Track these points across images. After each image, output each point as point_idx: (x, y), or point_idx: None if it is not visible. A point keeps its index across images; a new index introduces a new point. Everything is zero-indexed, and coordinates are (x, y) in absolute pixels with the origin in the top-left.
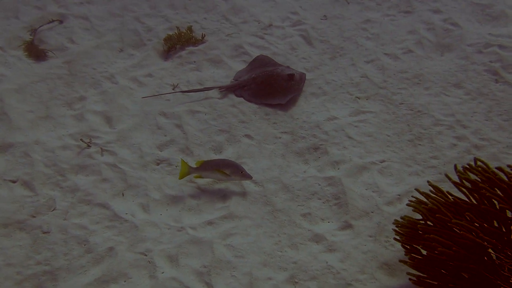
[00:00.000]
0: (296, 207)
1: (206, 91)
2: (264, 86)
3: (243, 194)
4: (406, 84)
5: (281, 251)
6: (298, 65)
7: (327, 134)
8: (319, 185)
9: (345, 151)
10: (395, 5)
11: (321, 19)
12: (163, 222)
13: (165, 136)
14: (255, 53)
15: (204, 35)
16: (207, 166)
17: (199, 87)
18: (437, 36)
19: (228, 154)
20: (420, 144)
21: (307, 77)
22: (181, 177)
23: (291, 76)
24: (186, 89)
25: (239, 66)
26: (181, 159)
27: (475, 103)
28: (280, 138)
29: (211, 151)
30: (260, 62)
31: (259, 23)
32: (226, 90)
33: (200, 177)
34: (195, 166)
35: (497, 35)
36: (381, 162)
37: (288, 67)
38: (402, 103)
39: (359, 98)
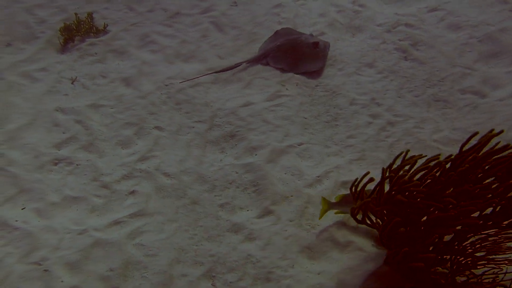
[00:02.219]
0: (213, 198)
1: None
2: (289, 53)
3: (155, 188)
4: None
5: (197, 245)
6: (211, 52)
7: (244, 120)
8: (237, 173)
9: (263, 136)
10: None
11: (231, 5)
12: (63, 226)
13: (63, 133)
14: (164, 42)
15: (107, 25)
16: (349, 199)
17: (102, 80)
18: (348, 18)
19: (137, 148)
20: (337, 125)
21: (221, 64)
22: (321, 216)
23: (315, 44)
24: (89, 82)
25: (147, 56)
26: (322, 197)
27: (388, 81)
28: (193, 127)
29: (118, 146)
30: (283, 33)
31: (166, 11)
32: (254, 62)
33: (342, 212)
34: (335, 201)
35: (403, 14)
36: (300, 145)
37: (311, 35)
38: (318, 85)
39: (280, 84)
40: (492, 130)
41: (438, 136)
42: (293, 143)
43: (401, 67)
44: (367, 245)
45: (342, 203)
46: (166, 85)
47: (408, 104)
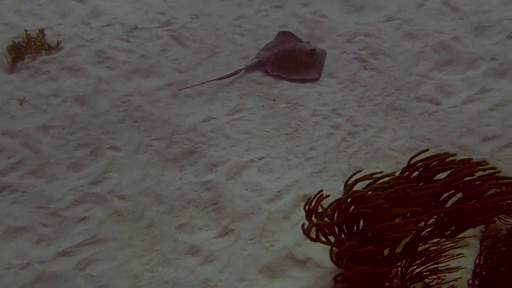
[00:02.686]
0: (170, 219)
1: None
2: (287, 61)
3: (109, 213)
4: (283, 78)
5: (152, 271)
6: (171, 67)
7: (204, 136)
8: (196, 191)
9: (223, 151)
10: (267, 0)
11: (192, 18)
12: (3, 261)
13: (8, 158)
14: (121, 57)
15: (60, 42)
16: None
17: (54, 99)
18: (309, 28)
19: (91, 170)
20: (298, 137)
21: (181, 79)
22: None
23: (312, 51)
24: (39, 102)
25: (103, 72)
26: None
27: (348, 91)
28: (152, 146)
29: (70, 169)
30: (282, 38)
31: (124, 25)
32: (252, 69)
33: None
34: None
35: (363, 24)
36: (261, 159)
37: (308, 42)
38: (279, 97)
39: (241, 97)
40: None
41: (396, 145)
42: (254, 157)
43: (361, 76)
44: (325, 261)
45: None
46: (124, 102)
47: (368, 113)
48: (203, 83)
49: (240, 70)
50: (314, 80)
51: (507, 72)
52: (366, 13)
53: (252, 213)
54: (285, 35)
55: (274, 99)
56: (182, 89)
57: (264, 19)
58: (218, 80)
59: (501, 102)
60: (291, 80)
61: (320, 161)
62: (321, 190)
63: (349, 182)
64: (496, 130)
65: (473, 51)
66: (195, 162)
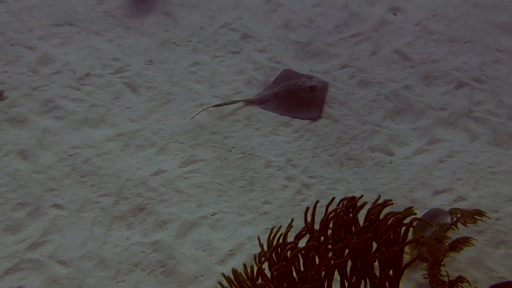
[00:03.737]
0: (114, 286)
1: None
2: (287, 99)
3: (47, 281)
4: (237, 126)
5: None
6: (122, 116)
7: (155, 191)
8: (144, 252)
9: (174, 208)
10: (223, 46)
11: (147, 64)
12: None
13: None
14: (70, 107)
15: (3, 91)
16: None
17: None
18: (265, 75)
19: (30, 232)
20: (252, 190)
21: (132, 129)
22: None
23: (312, 88)
24: None
25: (50, 123)
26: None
27: (303, 140)
28: (98, 202)
29: (7, 232)
30: (284, 76)
31: (75, 72)
32: (251, 103)
33: None
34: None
35: (317, 71)
36: (213, 215)
37: (309, 77)
38: (234, 147)
39: (191, 147)
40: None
41: None
42: (206, 213)
43: (316, 125)
44: None
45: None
46: (70, 156)
47: (323, 164)
48: (200, 111)
49: (238, 101)
50: (315, 118)
51: (456, 123)
52: (321, 60)
53: (202, 275)
54: (288, 71)
55: (229, 150)
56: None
57: (220, 65)
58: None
59: (451, 153)
60: (292, 119)
61: (274, 216)
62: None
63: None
64: (446, 183)
65: (424, 100)
66: (145, 219)
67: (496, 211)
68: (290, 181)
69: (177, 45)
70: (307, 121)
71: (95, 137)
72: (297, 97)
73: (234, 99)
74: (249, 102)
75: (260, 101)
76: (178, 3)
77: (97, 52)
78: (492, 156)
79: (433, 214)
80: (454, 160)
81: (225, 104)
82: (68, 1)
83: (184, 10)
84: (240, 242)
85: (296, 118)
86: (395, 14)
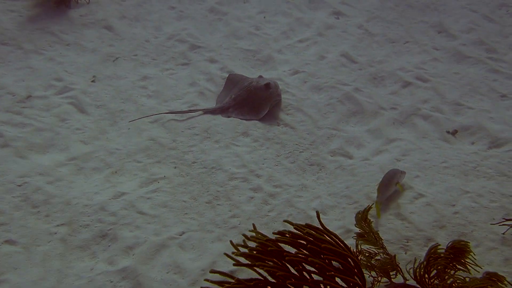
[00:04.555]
0: None
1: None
2: (246, 102)
3: None
4: (196, 140)
5: None
6: (73, 138)
7: (116, 215)
8: (111, 281)
9: (139, 231)
10: (172, 58)
11: (92, 81)
12: None
13: None
14: (12, 133)
15: None
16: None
17: None
18: (217, 85)
19: None
20: (218, 204)
21: (85, 151)
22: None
23: (267, 85)
24: None
25: None
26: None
27: (264, 149)
28: (56, 233)
29: None
30: (232, 81)
31: (14, 95)
32: (211, 113)
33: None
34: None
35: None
36: (181, 235)
37: (260, 76)
38: (195, 162)
39: (154, 166)
40: None
41: (316, 204)
42: (173, 233)
43: (274, 133)
44: None
45: (380, 193)
46: (19, 185)
47: (286, 172)
48: (159, 113)
49: (197, 110)
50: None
51: (406, 121)
52: (272, 67)
53: None
54: (235, 76)
55: (190, 165)
56: (133, 120)
57: (170, 78)
58: (173, 113)
59: (405, 152)
60: (260, 120)
61: (243, 229)
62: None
63: None
64: (405, 181)
65: (374, 101)
66: (108, 246)
67: (454, 205)
68: (256, 192)
69: (115, 59)
70: (266, 130)
71: (45, 164)
72: (255, 98)
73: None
74: (209, 112)
75: (222, 110)
76: (118, 16)
77: (36, 72)
78: (442, 152)
79: (392, 174)
80: (409, 158)
81: (183, 112)
82: None
83: (125, 23)
84: (212, 260)
85: (259, 117)
86: (337, 18)
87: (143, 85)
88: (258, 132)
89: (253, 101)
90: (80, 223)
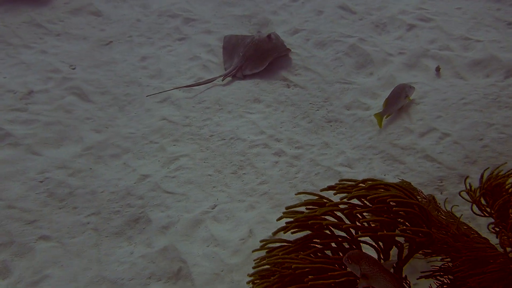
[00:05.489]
0: None
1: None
2: (256, 56)
3: None
4: (209, 114)
5: None
6: (84, 128)
7: (144, 198)
8: (154, 263)
9: (170, 210)
10: (167, 34)
11: (72, 68)
12: None
13: None
14: (21, 131)
15: None
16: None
17: None
18: (219, 56)
19: (20, 273)
20: (244, 173)
21: (99, 139)
22: (381, 125)
23: (269, 37)
24: None
25: (4, 153)
26: (374, 114)
27: (279, 113)
28: (88, 224)
29: None
30: (231, 41)
31: (15, 93)
32: (229, 76)
33: (390, 114)
34: (382, 108)
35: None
36: (213, 208)
37: (259, 31)
38: (212, 135)
39: (173, 145)
40: None
41: (342, 159)
42: (205, 208)
43: (286, 96)
44: None
45: (388, 105)
46: (41, 181)
47: (305, 132)
48: (173, 88)
49: (214, 79)
50: (287, 51)
51: (417, 64)
52: (271, 30)
53: (222, 271)
54: (230, 37)
55: (208, 139)
56: (150, 95)
57: (170, 55)
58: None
59: (423, 94)
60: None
61: (274, 193)
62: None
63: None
64: (427, 123)
65: (381, 49)
66: (144, 229)
67: (481, 139)
68: (279, 156)
69: (119, 42)
70: (277, 93)
71: (62, 157)
72: (263, 50)
73: (194, 87)
74: (225, 76)
75: (236, 70)
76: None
77: (32, 66)
78: (459, 89)
79: (401, 87)
80: (427, 100)
81: (202, 83)
82: None
83: (111, 5)
84: (249, 227)
85: (270, 61)
86: None
87: (144, 65)
88: (270, 97)
89: (261, 53)
90: (110, 210)
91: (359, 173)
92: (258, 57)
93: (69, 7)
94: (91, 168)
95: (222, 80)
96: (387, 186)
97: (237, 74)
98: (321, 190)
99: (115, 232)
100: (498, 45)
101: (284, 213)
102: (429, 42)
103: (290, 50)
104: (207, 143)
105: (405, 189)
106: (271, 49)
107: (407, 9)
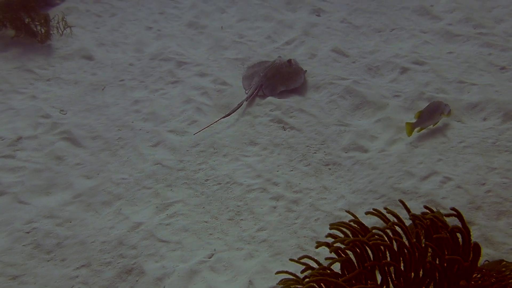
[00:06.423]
0: None
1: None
2: (277, 77)
3: None
4: (203, 157)
5: None
6: (74, 174)
7: (137, 248)
8: None
9: (165, 260)
10: (160, 78)
11: (62, 113)
12: None
13: None
14: (9, 179)
15: None
16: (426, 114)
17: None
18: (213, 99)
19: None
20: (242, 219)
21: (89, 186)
22: (410, 134)
23: (289, 61)
24: None
25: None
26: (406, 122)
27: (275, 156)
28: (77, 277)
29: None
30: (253, 67)
31: (3, 139)
32: (252, 97)
33: (423, 128)
34: (414, 120)
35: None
36: (210, 258)
37: (279, 57)
38: (208, 179)
39: (166, 190)
40: None
41: (342, 204)
42: (202, 257)
43: (282, 138)
44: None
45: (422, 118)
46: (28, 232)
47: (303, 175)
48: (212, 123)
49: (241, 103)
50: (302, 84)
51: (413, 106)
52: None
53: None
54: (249, 69)
55: (203, 183)
56: (196, 132)
57: (163, 98)
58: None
59: (420, 137)
60: (289, 92)
61: (273, 240)
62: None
63: None
64: (428, 166)
65: (376, 92)
66: (137, 281)
67: (484, 184)
68: (277, 201)
69: (103, 88)
70: (272, 136)
71: (50, 205)
72: (283, 73)
73: (188, 130)
74: (250, 98)
75: (258, 89)
76: (95, 44)
77: (21, 112)
78: (458, 131)
79: (437, 104)
80: (426, 143)
81: (233, 111)
82: None
83: (104, 50)
84: (248, 278)
85: (289, 88)
86: (318, 15)
87: (136, 109)
88: (265, 139)
89: (282, 75)
90: (101, 261)
91: (363, 218)
92: (278, 78)
93: (61, 52)
94: (80, 217)
95: (246, 101)
96: None
97: (258, 92)
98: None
99: (106, 286)
100: (492, 89)
101: None
102: (424, 84)
103: (306, 70)
104: (203, 188)
105: None
106: (292, 72)
107: (400, 52)
